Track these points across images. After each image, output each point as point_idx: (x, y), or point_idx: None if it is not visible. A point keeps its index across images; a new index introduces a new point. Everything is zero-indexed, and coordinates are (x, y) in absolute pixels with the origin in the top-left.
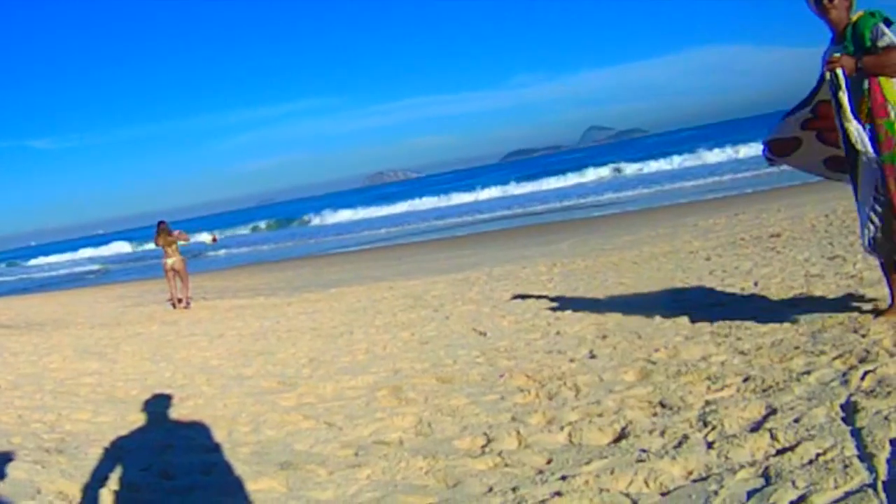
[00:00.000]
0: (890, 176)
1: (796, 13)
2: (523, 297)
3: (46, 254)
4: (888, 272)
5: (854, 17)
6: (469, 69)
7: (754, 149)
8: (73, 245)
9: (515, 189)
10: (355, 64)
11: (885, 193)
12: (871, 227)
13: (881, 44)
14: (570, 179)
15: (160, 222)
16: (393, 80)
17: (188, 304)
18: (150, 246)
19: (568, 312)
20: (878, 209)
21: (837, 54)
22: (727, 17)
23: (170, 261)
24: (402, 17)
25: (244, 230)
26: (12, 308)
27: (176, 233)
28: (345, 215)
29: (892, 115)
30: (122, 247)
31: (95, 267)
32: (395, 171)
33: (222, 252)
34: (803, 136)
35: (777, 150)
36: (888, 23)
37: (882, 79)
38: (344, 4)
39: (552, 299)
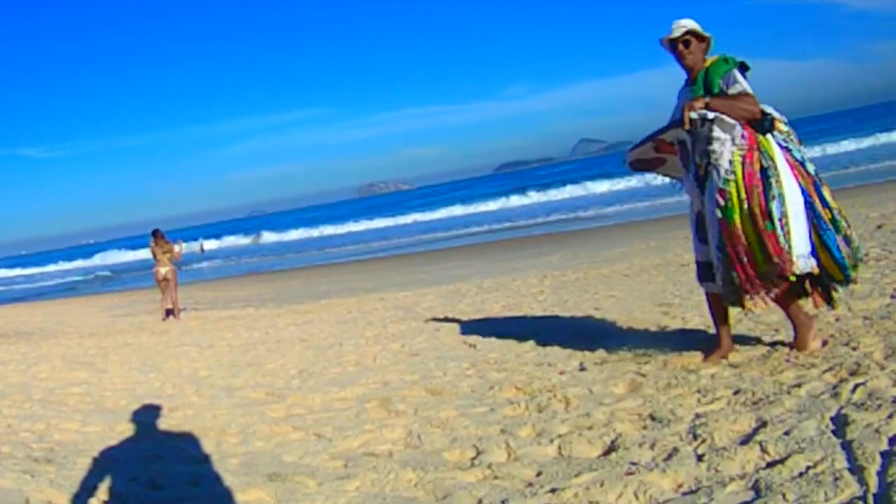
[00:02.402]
0: (724, 231)
1: (792, 25)
2: (514, 308)
3: (23, 265)
4: (716, 317)
5: (708, 62)
6: (460, 80)
7: None
8: (63, 255)
9: (507, 202)
10: (346, 75)
11: (722, 246)
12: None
13: (732, 91)
14: (562, 192)
15: (155, 230)
16: (384, 91)
17: (178, 314)
18: (140, 255)
19: (558, 324)
20: (720, 255)
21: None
22: (721, 28)
23: (162, 269)
24: (393, 28)
25: (235, 240)
26: (1, 317)
27: (174, 247)
28: (336, 229)
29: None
30: (111, 256)
31: (84, 277)
32: (386, 182)
33: (205, 264)
34: (667, 158)
35: (642, 168)
36: (744, 68)
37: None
38: (335, 15)
39: (542, 311)
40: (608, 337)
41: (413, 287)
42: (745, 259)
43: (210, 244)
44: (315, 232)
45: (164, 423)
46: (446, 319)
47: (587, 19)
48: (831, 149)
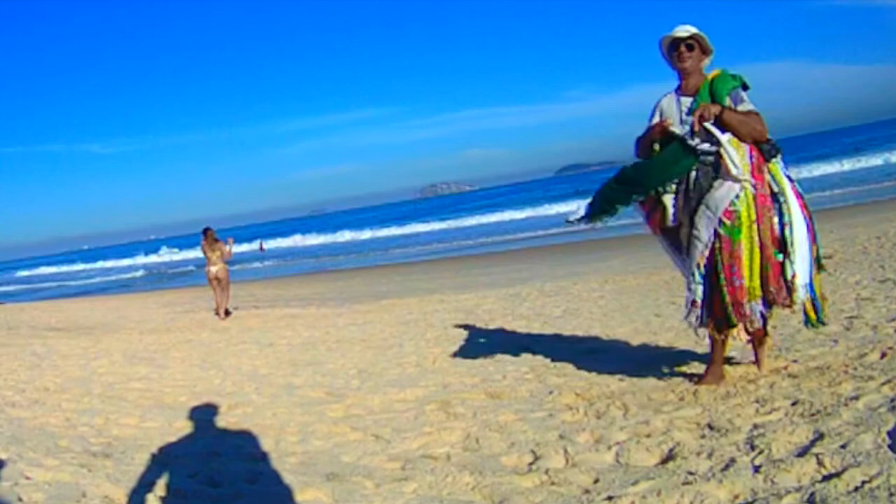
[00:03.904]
0: (725, 249)
1: (853, 29)
2: (574, 313)
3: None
4: (715, 344)
5: (711, 75)
6: (523, 82)
7: (807, 170)
8: (125, 250)
9: (569, 205)
10: (409, 76)
11: (720, 264)
12: (690, 299)
13: (741, 108)
14: None
15: (206, 229)
16: (447, 92)
17: (223, 314)
18: (201, 253)
19: (618, 330)
20: (699, 281)
21: (701, 104)
22: (782, 32)
23: (213, 269)
24: (457, 29)
25: (297, 239)
26: (63, 311)
27: (224, 246)
28: (398, 229)
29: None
30: (174, 253)
31: (145, 272)
32: (448, 183)
33: (267, 263)
34: None
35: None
36: (745, 87)
37: (733, 141)
38: (400, 17)
39: (603, 316)
40: (668, 343)
41: (474, 289)
42: (737, 282)
43: (271, 243)
44: (377, 232)
45: (223, 421)
46: (507, 322)
47: (647, 22)
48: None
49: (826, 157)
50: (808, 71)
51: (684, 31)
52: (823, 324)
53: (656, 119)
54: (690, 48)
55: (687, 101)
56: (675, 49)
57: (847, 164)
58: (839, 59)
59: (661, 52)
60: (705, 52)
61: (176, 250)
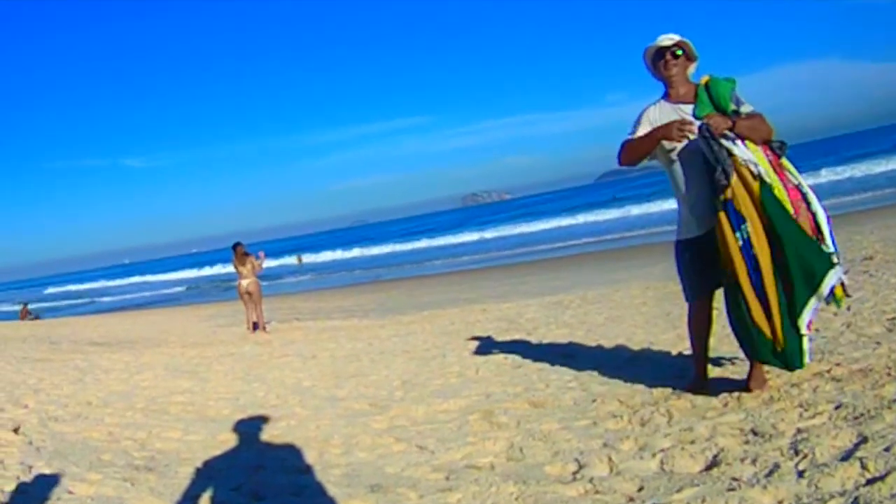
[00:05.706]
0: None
1: (887, 26)
2: (617, 320)
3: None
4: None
5: (704, 80)
6: (561, 88)
7: (846, 170)
8: (167, 264)
9: (609, 213)
10: (446, 84)
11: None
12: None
13: (745, 110)
14: (665, 203)
15: (236, 244)
16: (484, 99)
17: (263, 327)
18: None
19: (661, 337)
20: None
21: (709, 114)
22: (815, 31)
23: (244, 283)
24: (494, 37)
25: (338, 252)
26: (104, 326)
27: (256, 258)
28: (438, 240)
29: (768, 181)
30: (214, 267)
31: (187, 288)
32: (488, 192)
33: (308, 276)
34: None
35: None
36: None
37: (749, 144)
38: (436, 26)
39: (646, 323)
40: (711, 349)
41: (516, 298)
42: None
43: (311, 257)
44: (418, 243)
45: (267, 433)
46: (549, 331)
47: (683, 26)
48: None
49: (865, 157)
50: (840, 70)
51: (669, 39)
52: (849, 295)
53: (645, 129)
54: (676, 55)
55: (687, 108)
56: (660, 58)
57: (886, 164)
58: (877, 58)
59: (645, 65)
60: (690, 58)
61: (208, 268)
